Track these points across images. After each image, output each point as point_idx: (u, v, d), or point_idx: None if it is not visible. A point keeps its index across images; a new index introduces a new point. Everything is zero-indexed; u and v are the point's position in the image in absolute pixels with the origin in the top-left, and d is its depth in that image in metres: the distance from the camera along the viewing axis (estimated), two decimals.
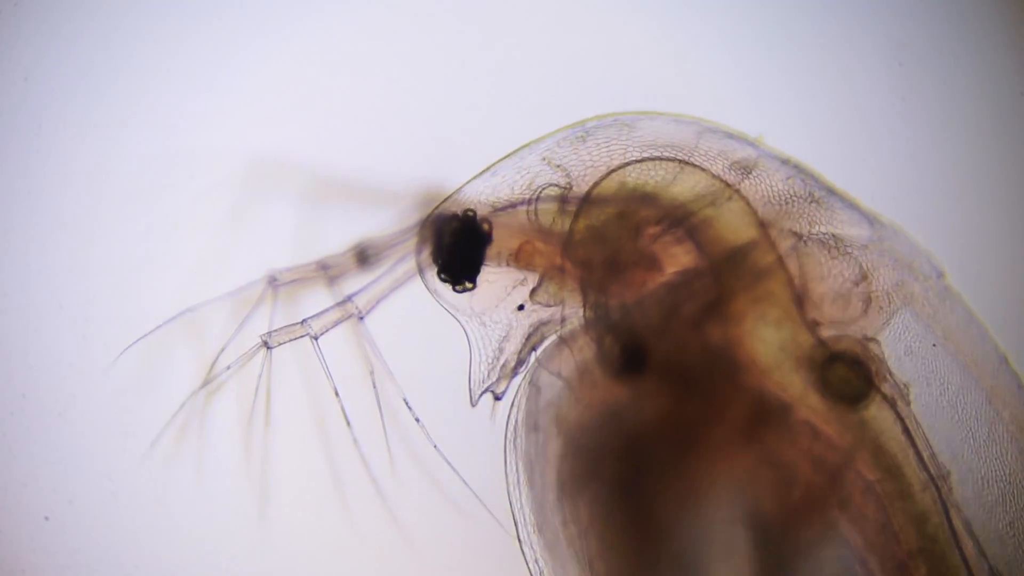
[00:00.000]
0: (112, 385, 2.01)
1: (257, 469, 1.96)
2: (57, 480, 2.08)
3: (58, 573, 2.10)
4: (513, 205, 1.88)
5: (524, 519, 1.88)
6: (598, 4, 2.15)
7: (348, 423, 1.91)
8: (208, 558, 2.11)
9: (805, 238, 1.82)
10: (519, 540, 1.88)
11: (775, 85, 2.15)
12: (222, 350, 1.92)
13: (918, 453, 1.79)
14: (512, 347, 1.88)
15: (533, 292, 1.87)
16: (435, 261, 1.90)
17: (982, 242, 2.12)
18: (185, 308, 1.94)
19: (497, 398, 1.89)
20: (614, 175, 1.85)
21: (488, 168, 1.90)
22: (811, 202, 1.84)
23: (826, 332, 1.80)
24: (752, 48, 2.16)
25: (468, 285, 1.88)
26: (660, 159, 1.85)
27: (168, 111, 2.07)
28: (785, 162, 1.86)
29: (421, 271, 1.91)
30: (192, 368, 1.94)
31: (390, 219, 1.91)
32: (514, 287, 1.88)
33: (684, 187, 1.84)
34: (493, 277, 1.88)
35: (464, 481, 1.91)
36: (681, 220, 1.83)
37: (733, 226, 1.82)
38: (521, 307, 1.88)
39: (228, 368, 1.92)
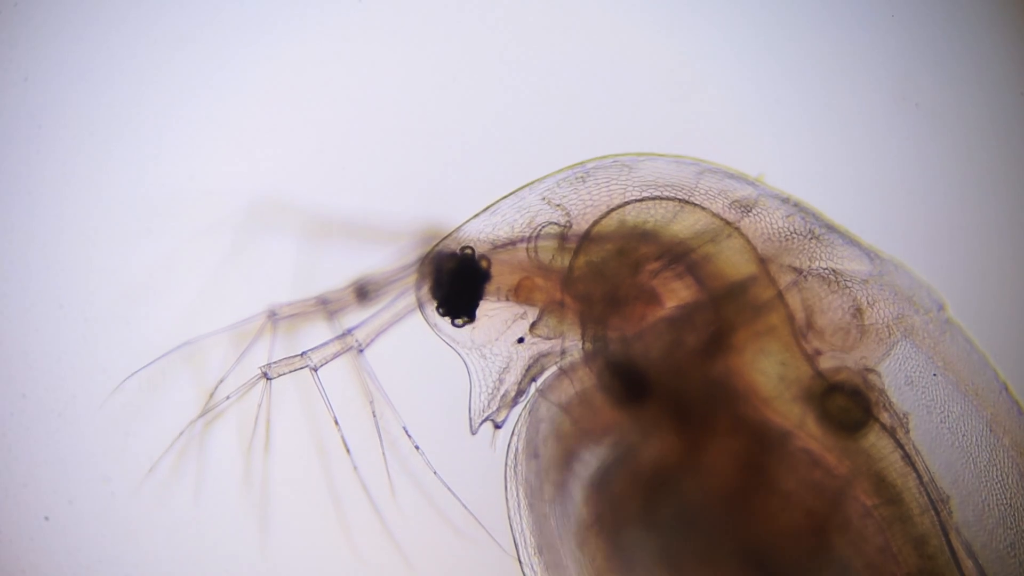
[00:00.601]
0: (108, 409, 2.00)
1: (257, 496, 1.95)
2: (57, 480, 2.07)
3: (58, 573, 2.08)
4: (513, 243, 1.89)
5: (524, 542, 1.87)
6: (598, 47, 2.18)
7: (348, 450, 1.91)
8: (209, 558, 2.09)
9: (805, 273, 1.83)
10: (520, 562, 1.86)
11: (772, 123, 2.17)
12: (221, 381, 1.92)
13: (918, 478, 1.79)
14: (512, 378, 1.88)
15: (533, 325, 1.87)
16: (434, 297, 1.90)
17: (983, 270, 2.12)
18: (184, 341, 1.93)
19: (497, 427, 1.88)
20: (614, 214, 1.86)
21: (488, 207, 1.91)
22: (811, 238, 1.85)
23: (826, 364, 1.81)
24: (748, 87, 2.17)
25: (467, 320, 1.88)
26: (660, 198, 1.86)
27: (168, 110, 2.08)
28: (785, 200, 1.87)
29: (421, 306, 1.91)
30: (191, 399, 1.94)
31: (390, 256, 1.92)
32: (514, 321, 1.88)
33: (684, 225, 1.85)
34: (493, 311, 1.89)
35: (463, 504, 1.90)
36: (681, 256, 1.84)
37: (733, 262, 1.83)
38: (521, 340, 1.88)
39: (227, 398, 1.92)
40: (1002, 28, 2.18)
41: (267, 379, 1.92)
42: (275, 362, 1.91)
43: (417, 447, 1.91)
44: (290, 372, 1.91)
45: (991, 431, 1.83)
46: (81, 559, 2.08)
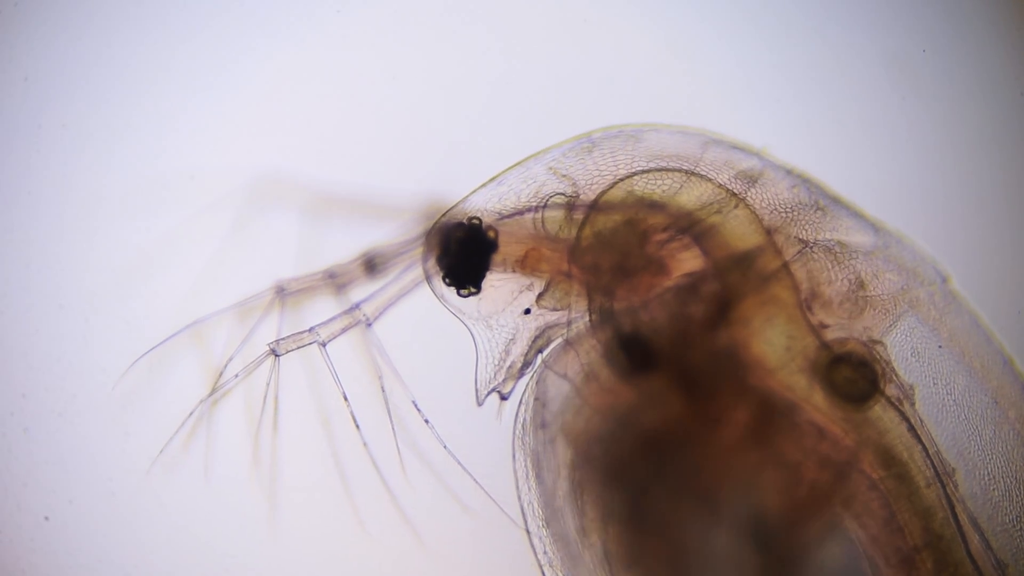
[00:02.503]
0: (117, 393, 2.00)
1: (265, 473, 1.95)
2: (57, 480, 2.07)
3: (58, 573, 2.08)
4: (520, 213, 1.89)
5: (533, 513, 1.88)
6: (603, 16, 2.17)
7: (357, 426, 1.91)
8: (210, 558, 2.10)
9: (811, 244, 1.83)
10: (528, 532, 1.87)
11: (778, 95, 2.16)
12: (230, 359, 1.92)
13: (924, 450, 1.79)
14: (518, 349, 1.89)
15: (540, 297, 1.88)
16: (441, 268, 1.90)
17: (985, 245, 2.13)
18: (191, 320, 1.93)
19: (503, 398, 1.89)
20: (621, 184, 1.86)
21: (494, 178, 1.91)
22: (816, 210, 1.85)
23: (832, 335, 1.81)
24: (754, 59, 2.17)
25: (474, 291, 1.89)
26: (666, 169, 1.86)
27: (169, 109, 2.08)
28: (790, 172, 1.87)
29: (428, 278, 1.91)
30: (199, 377, 1.94)
31: (395, 230, 1.92)
32: (520, 292, 1.89)
33: (690, 196, 1.85)
34: (499, 282, 1.89)
35: (473, 477, 1.91)
36: (688, 227, 1.84)
37: (739, 233, 1.84)
38: (527, 311, 1.89)
39: (236, 376, 1.92)
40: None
41: (275, 356, 1.92)
42: (283, 338, 1.92)
43: (427, 421, 1.92)
44: (298, 348, 1.92)
45: (996, 404, 1.84)
46: (81, 559, 2.09)
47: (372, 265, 1.93)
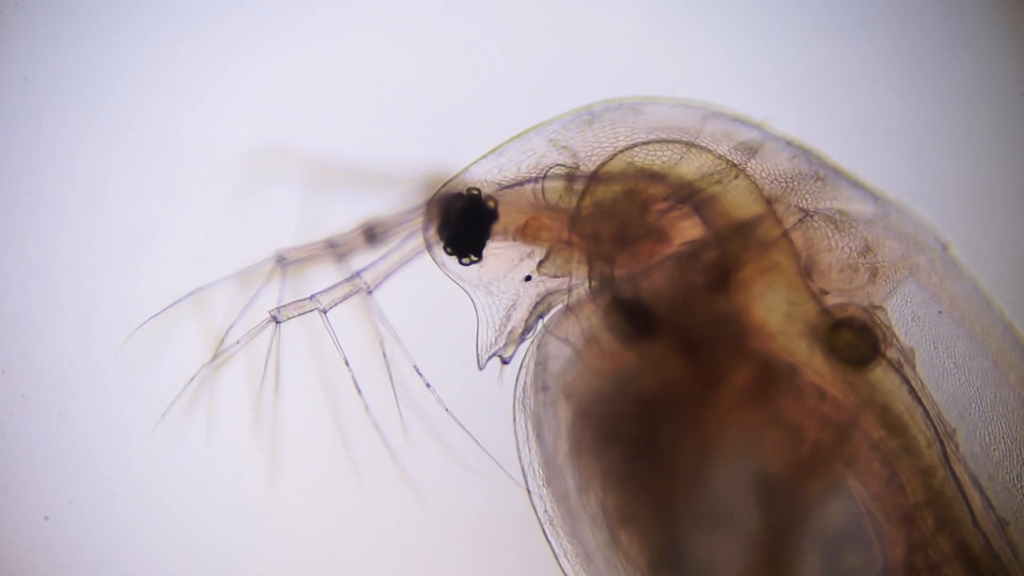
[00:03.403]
0: (119, 367, 2.00)
1: (267, 438, 1.96)
2: (57, 480, 2.07)
3: (58, 573, 2.08)
4: (520, 184, 1.89)
5: (534, 473, 1.88)
6: None
7: (359, 391, 1.92)
8: (209, 558, 2.09)
9: (811, 213, 1.84)
10: (528, 492, 1.88)
11: (777, 80, 2.17)
12: (231, 326, 1.92)
13: (925, 412, 1.80)
14: (519, 315, 1.89)
15: (540, 264, 1.89)
16: (442, 237, 1.91)
17: (985, 214, 2.14)
18: (193, 288, 1.93)
19: (504, 363, 1.90)
20: (621, 156, 1.87)
21: (495, 149, 1.92)
22: (816, 180, 1.87)
23: (832, 301, 1.82)
24: (755, 39, 2.18)
25: (475, 259, 1.89)
26: (666, 141, 1.87)
27: (169, 107, 2.08)
28: (790, 144, 1.88)
29: (429, 247, 1.92)
30: (200, 345, 1.94)
31: (396, 200, 1.92)
32: (521, 259, 1.89)
33: (691, 167, 1.86)
34: (500, 250, 1.90)
35: (473, 438, 1.91)
36: (688, 197, 1.85)
37: (739, 202, 1.85)
38: (528, 278, 1.89)
39: (237, 343, 1.92)
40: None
41: (276, 323, 1.92)
42: (284, 306, 1.92)
43: (428, 385, 1.92)
44: (299, 315, 1.92)
45: (996, 368, 1.85)
46: (81, 559, 2.08)
47: (373, 234, 1.94)
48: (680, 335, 1.83)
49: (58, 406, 2.07)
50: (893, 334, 1.82)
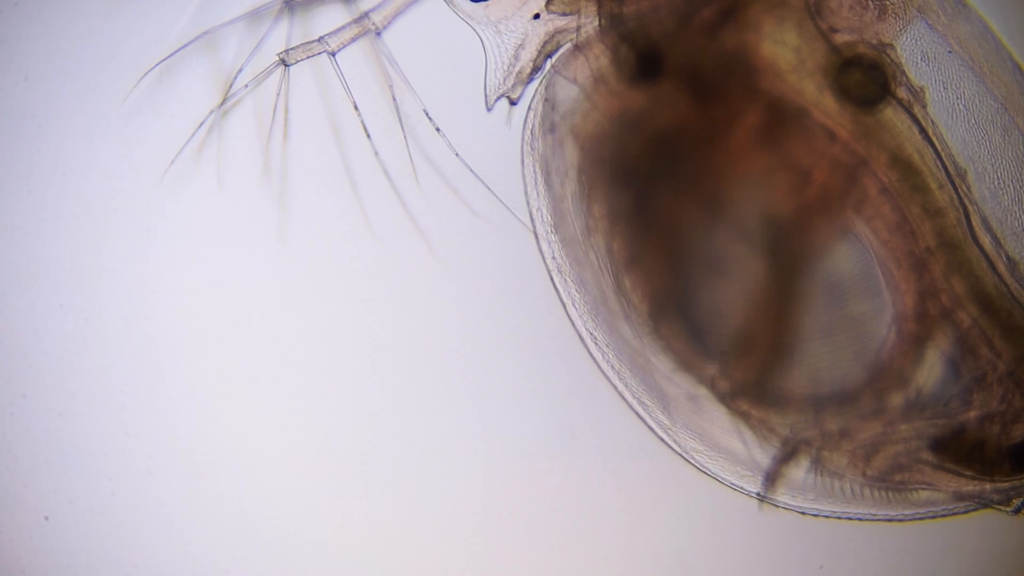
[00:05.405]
0: (127, 110, 2.00)
1: (277, 183, 1.96)
2: (57, 480, 2.09)
3: (58, 573, 2.11)
4: None
5: (542, 218, 1.89)
6: None
7: (368, 135, 1.92)
8: (209, 558, 2.13)
9: None
10: (536, 235, 1.89)
11: None
12: (239, 69, 1.92)
13: (936, 152, 1.80)
14: (528, 54, 1.88)
15: (549, 1, 1.87)
16: None
17: None
18: (202, 30, 1.93)
19: (513, 103, 1.89)
20: None
21: None
22: None
23: (842, 39, 1.80)
24: None
25: None
26: None
27: (169, 106, 2.04)
28: None
29: None
30: (209, 89, 1.94)
31: None
32: None
33: None
34: None
35: (483, 182, 1.92)
36: None
37: None
38: (537, 16, 1.88)
39: (246, 86, 1.92)
40: None
41: (285, 66, 1.92)
42: (292, 48, 1.91)
43: (438, 129, 1.92)
44: (308, 58, 1.91)
45: (1006, 111, 1.84)
46: (81, 559, 2.11)
47: None
48: (688, 74, 1.82)
49: (58, 406, 2.09)
50: (903, 73, 1.81)
